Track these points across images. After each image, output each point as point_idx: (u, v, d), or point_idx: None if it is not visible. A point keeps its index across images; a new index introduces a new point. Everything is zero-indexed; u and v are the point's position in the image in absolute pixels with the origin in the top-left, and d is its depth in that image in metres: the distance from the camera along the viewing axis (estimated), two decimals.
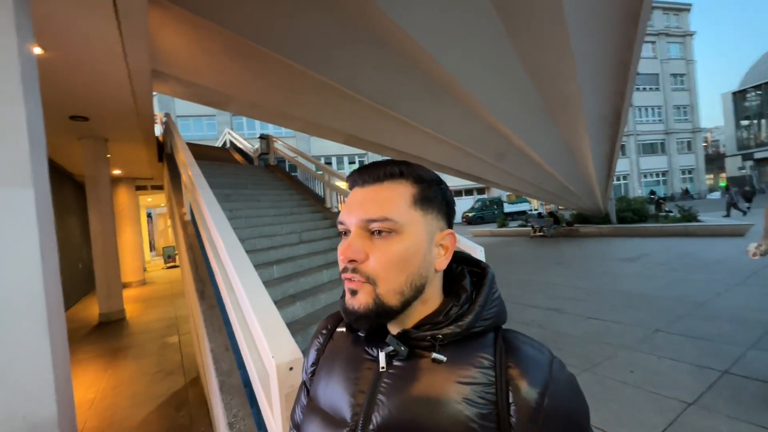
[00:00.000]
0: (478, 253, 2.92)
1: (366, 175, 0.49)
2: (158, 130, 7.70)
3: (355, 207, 0.47)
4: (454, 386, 0.42)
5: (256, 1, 4.68)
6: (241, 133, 18.09)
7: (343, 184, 5.87)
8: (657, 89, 28.28)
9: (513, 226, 15.53)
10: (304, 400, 0.58)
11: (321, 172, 5.85)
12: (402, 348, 0.46)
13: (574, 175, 9.39)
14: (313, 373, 0.57)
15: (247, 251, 3.53)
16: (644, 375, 2.51)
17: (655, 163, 28.42)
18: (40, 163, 1.81)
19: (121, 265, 6.79)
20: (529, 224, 13.78)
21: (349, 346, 0.53)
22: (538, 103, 6.43)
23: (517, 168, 9.31)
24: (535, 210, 19.95)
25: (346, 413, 0.46)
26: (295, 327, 2.67)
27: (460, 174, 11.55)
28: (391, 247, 0.45)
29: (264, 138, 8.24)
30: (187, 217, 3.69)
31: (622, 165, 26.22)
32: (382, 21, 3.87)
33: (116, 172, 8.13)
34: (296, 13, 4.92)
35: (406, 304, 0.46)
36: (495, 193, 25.57)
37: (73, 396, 1.96)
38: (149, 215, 19.55)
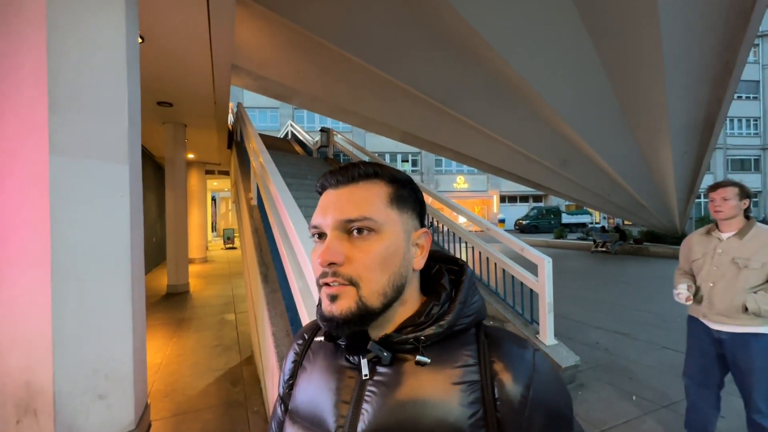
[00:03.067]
0: (546, 264, 2.72)
1: (339, 176, 0.47)
2: (229, 119, 8.19)
3: (331, 208, 0.45)
4: (441, 387, 0.42)
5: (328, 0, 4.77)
6: (302, 125, 18.82)
7: None
8: (756, 98, 24.92)
9: (571, 239, 14.57)
10: (280, 414, 0.56)
11: None
12: (385, 354, 0.44)
13: (648, 189, 8.57)
14: (290, 386, 0.55)
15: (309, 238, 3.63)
16: (738, 420, 2.18)
17: (746, 181, 25.06)
18: (135, 142, 1.96)
19: (188, 242, 7.35)
20: (590, 238, 12.85)
21: (329, 355, 0.51)
22: (615, 109, 5.92)
23: (582, 177, 8.69)
24: (597, 223, 18.57)
25: (330, 425, 0.45)
26: None
27: (518, 179, 11.05)
28: (372, 247, 0.44)
29: (325, 131, 8.47)
30: (254, 202, 3.86)
31: (706, 182, 23.54)
32: (453, 20, 3.76)
33: (190, 156, 8.81)
34: (365, 11, 4.96)
35: (387, 306, 0.45)
36: (553, 201, 24.19)
37: (146, 359, 2.11)
38: (213, 199, 21.06)
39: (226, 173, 11.65)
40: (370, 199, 0.45)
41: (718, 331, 1.71)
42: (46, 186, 1.58)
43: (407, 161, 23.51)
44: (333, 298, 0.43)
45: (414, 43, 5.67)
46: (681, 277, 1.91)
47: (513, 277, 3.14)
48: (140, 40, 3.08)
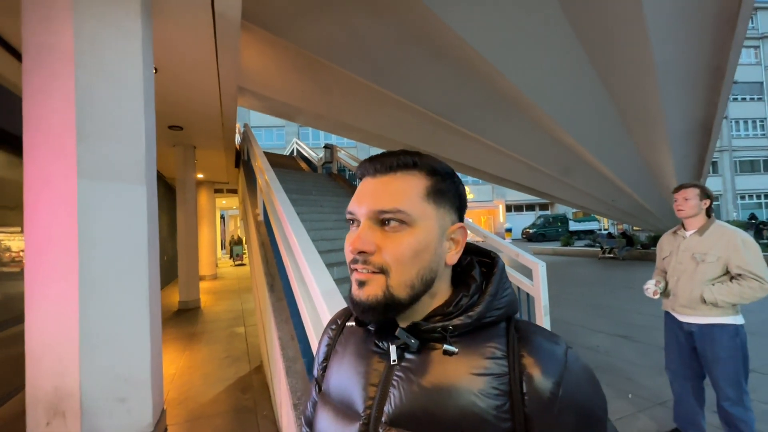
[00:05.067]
0: (539, 269, 2.82)
1: (378, 164, 0.47)
2: (236, 138, 8.48)
3: (366, 197, 0.46)
4: (467, 377, 0.42)
5: (327, 19, 5.01)
6: (306, 143, 19.22)
7: None
8: (760, 99, 24.83)
9: (579, 246, 14.50)
10: (315, 396, 0.58)
11: None
12: (413, 341, 0.45)
13: (652, 193, 8.59)
14: (324, 368, 0.57)
15: None
16: None
17: (755, 182, 24.77)
18: (151, 166, 2.14)
19: (198, 259, 7.55)
20: (597, 244, 12.78)
21: (360, 340, 0.52)
22: (612, 115, 6.04)
23: (586, 184, 8.76)
24: (605, 229, 18.46)
25: (359, 406, 0.46)
26: None
27: (522, 188, 11.14)
28: (403, 240, 0.44)
29: (328, 147, 8.70)
30: (260, 218, 4.03)
31: (713, 184, 23.25)
32: (445, 34, 3.95)
33: (199, 176, 9.09)
34: (364, 30, 5.19)
35: (415, 299, 0.45)
36: (560, 209, 24.13)
37: (162, 367, 2.24)
38: (222, 217, 21.41)
39: (235, 191, 11.94)
40: (406, 192, 0.45)
41: (687, 323, 1.82)
42: (74, 206, 1.75)
43: None
44: (361, 284, 0.45)
45: (412, 59, 5.88)
46: (656, 275, 2.02)
47: (512, 282, 3.23)
48: (154, 71, 3.33)
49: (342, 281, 3.43)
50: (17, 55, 2.87)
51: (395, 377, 0.45)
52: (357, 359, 0.50)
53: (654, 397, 2.51)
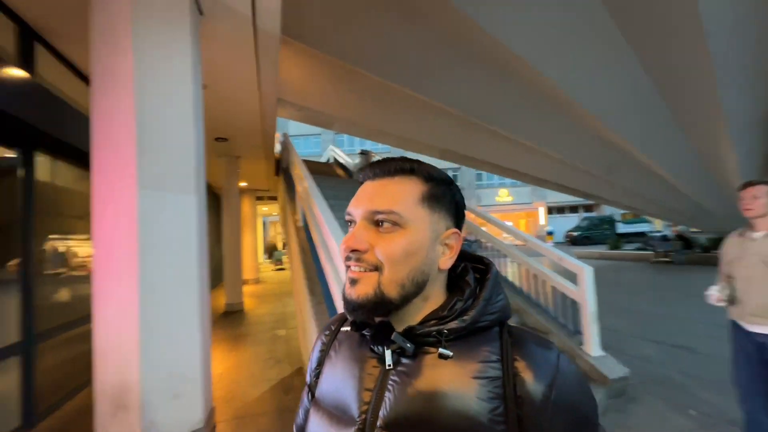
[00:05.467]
0: (585, 273, 2.69)
1: (378, 168, 0.49)
2: (276, 148, 8.84)
3: (364, 198, 0.48)
4: (462, 381, 0.43)
5: (360, 29, 5.12)
6: (342, 149, 19.62)
7: None
8: None
9: (628, 249, 13.61)
10: (307, 403, 0.57)
11: None
12: (408, 345, 0.45)
13: (711, 191, 7.93)
14: (317, 374, 0.56)
15: None
16: None
17: None
18: (200, 176, 2.28)
19: (241, 264, 7.91)
20: (650, 247, 11.93)
21: (354, 345, 0.52)
22: (665, 112, 5.66)
23: (634, 183, 8.24)
24: (658, 231, 17.20)
25: (354, 411, 0.46)
26: None
27: (563, 189, 10.67)
28: (394, 240, 0.45)
29: (364, 153, 8.82)
30: (300, 224, 4.17)
31: None
32: (480, 37, 3.90)
33: (242, 184, 9.55)
34: (399, 37, 5.24)
35: (406, 299, 0.46)
36: (606, 211, 22.81)
37: (211, 365, 2.37)
38: (264, 223, 22.30)
39: (275, 198, 12.40)
40: (401, 195, 0.47)
41: (758, 334, 1.64)
42: (135, 215, 1.91)
43: None
44: (353, 282, 0.46)
45: (447, 62, 5.85)
46: (720, 280, 1.85)
47: (555, 288, 3.11)
48: (203, 88, 3.56)
49: None
50: (86, 80, 3.19)
51: (391, 381, 0.45)
52: (351, 364, 0.50)
53: (719, 413, 2.29)
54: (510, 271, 3.94)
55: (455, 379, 0.43)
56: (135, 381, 1.88)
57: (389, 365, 0.46)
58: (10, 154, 2.51)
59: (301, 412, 0.59)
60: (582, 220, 21.79)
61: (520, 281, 3.63)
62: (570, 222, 23.21)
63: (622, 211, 20.18)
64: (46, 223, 2.82)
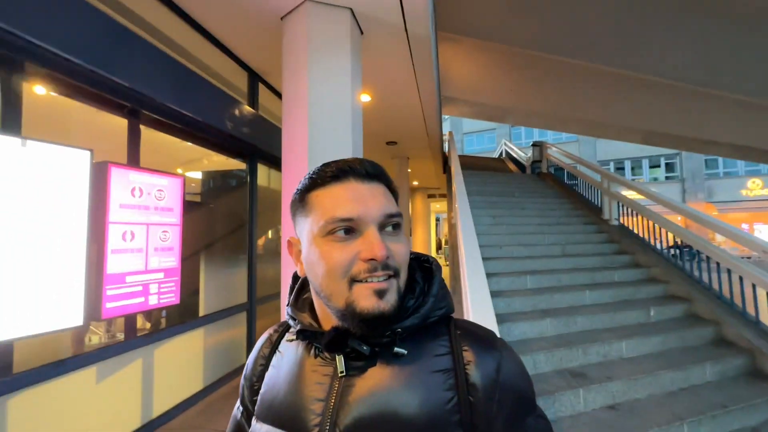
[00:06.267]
0: None
1: (363, 169, 0.46)
2: (447, 147, 9.09)
3: (370, 201, 0.44)
4: (417, 377, 0.43)
5: (542, 12, 4.68)
6: (518, 143, 18.36)
7: (630, 193, 4.82)
8: None
9: None
10: (240, 419, 0.56)
11: (600, 179, 5.05)
12: (364, 347, 0.44)
13: None
14: (256, 390, 0.53)
15: (502, 258, 3.59)
16: None
17: None
18: None
19: None
20: None
21: (299, 355, 0.50)
22: None
23: None
24: None
25: (306, 424, 0.44)
26: (539, 344, 2.48)
27: None
28: (402, 242, 0.46)
29: (537, 145, 8.03)
30: (454, 221, 4.17)
31: None
32: None
33: (414, 183, 10.25)
34: (589, 10, 4.56)
35: None
36: None
37: None
38: (437, 219, 23.30)
39: (445, 196, 12.80)
40: (391, 197, 0.47)
41: None
42: None
43: (658, 166, 18.49)
44: (381, 294, 0.42)
45: (653, 25, 4.72)
46: None
47: None
48: (368, 99, 4.02)
49: (537, 292, 3.10)
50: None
51: (344, 388, 0.44)
52: (299, 376, 0.48)
53: None
54: (737, 290, 2.82)
55: (410, 376, 0.43)
56: None
57: (341, 372, 0.45)
58: (241, 166, 3.49)
59: (231, 426, 0.58)
60: None
61: (754, 307, 2.55)
62: None
63: None
64: (262, 216, 3.79)
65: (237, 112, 2.99)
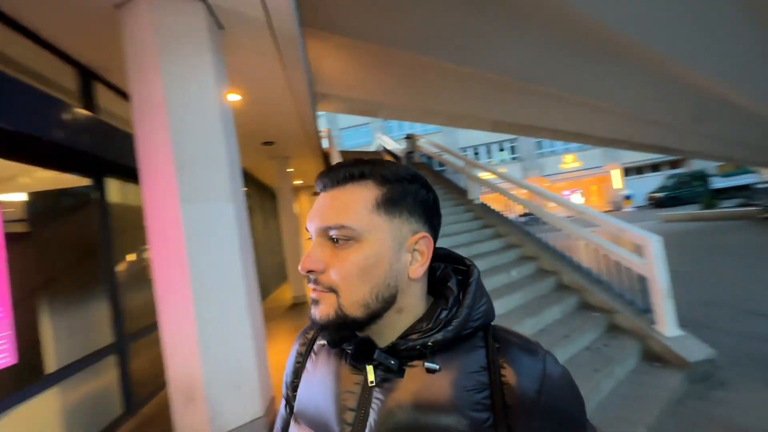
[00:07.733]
0: (652, 243, 2.35)
1: (327, 178, 0.45)
2: (326, 143, 9.09)
3: (316, 213, 0.45)
4: (449, 393, 0.41)
5: (397, 11, 4.96)
6: (391, 136, 19.56)
7: (485, 174, 5.64)
8: None
9: (727, 207, 11.77)
10: (285, 414, 0.57)
11: (463, 164, 5.79)
12: (392, 362, 0.43)
13: None
14: (295, 387, 0.54)
15: None
16: None
17: None
18: (236, 184, 2.39)
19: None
20: (755, 203, 10.18)
21: (332, 358, 0.49)
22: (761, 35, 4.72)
23: (728, 130, 7.07)
24: (766, 182, 14.58)
25: (336, 431, 0.44)
26: None
27: (638, 147, 9.54)
28: (350, 257, 0.42)
29: (409, 137, 8.69)
30: None
31: None
32: None
33: (298, 182, 10.00)
34: (436, 12, 5.01)
35: (374, 316, 0.43)
36: (696, 165, 19.91)
37: (267, 357, 2.53)
38: None
39: None
40: (351, 205, 0.43)
41: None
42: (180, 226, 2.07)
43: (503, 150, 22.31)
44: (315, 303, 0.44)
45: (489, 29, 5.49)
46: None
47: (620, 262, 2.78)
48: (238, 98, 3.74)
49: None
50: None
51: (374, 400, 0.43)
52: (330, 379, 0.47)
53: None
54: (566, 244, 3.64)
55: (442, 393, 0.41)
56: (199, 376, 2.07)
57: (371, 382, 0.44)
58: (83, 182, 2.88)
59: (278, 423, 0.58)
60: (667, 178, 19.30)
61: (578, 256, 3.32)
62: (652, 183, 20.68)
63: (719, 163, 17.46)
64: (122, 238, 3.21)
65: (68, 117, 2.44)
